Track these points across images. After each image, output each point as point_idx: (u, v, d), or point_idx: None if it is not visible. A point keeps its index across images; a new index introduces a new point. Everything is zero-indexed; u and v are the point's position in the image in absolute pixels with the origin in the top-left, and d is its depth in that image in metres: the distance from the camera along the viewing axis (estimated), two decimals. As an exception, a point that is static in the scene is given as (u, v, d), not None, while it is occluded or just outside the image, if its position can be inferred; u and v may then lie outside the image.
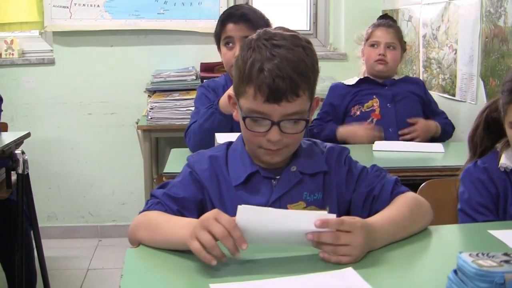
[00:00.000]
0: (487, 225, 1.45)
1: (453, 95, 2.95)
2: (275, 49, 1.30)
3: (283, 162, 1.41)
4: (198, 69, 3.64)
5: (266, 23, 2.32)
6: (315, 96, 1.39)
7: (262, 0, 3.88)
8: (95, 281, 3.23)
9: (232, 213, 1.35)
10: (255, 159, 1.41)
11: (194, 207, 1.37)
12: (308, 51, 1.34)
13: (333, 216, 1.16)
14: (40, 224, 2.78)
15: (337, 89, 2.82)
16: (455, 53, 2.91)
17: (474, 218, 1.57)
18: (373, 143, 2.50)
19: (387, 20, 2.95)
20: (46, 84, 3.74)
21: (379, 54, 2.74)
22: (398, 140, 2.62)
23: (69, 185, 3.86)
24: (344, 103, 2.77)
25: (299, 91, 1.29)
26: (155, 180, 3.40)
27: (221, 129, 2.15)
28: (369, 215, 1.33)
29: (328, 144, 1.48)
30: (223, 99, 2.17)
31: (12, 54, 3.72)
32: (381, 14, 3.72)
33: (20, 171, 2.51)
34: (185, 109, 3.26)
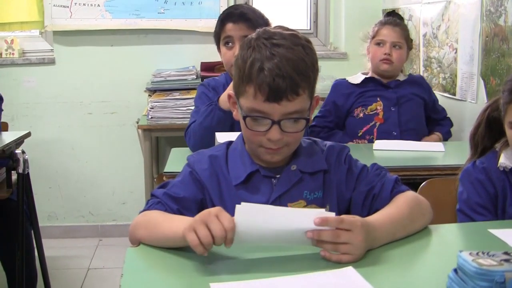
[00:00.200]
0: (487, 224, 1.45)
1: (454, 94, 2.95)
2: (275, 48, 1.30)
3: (283, 161, 1.41)
4: (199, 68, 3.64)
5: (265, 22, 2.32)
6: (315, 95, 1.39)
7: (262, 0, 3.88)
8: (95, 280, 3.23)
9: (232, 212, 1.34)
10: (255, 158, 1.41)
11: (194, 207, 1.37)
12: (308, 50, 1.34)
13: (332, 214, 1.16)
14: (40, 224, 2.78)
15: (341, 87, 2.79)
16: (456, 52, 2.91)
17: (472, 219, 1.57)
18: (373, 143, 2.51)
19: (394, 18, 2.89)
20: (46, 83, 3.74)
21: (385, 54, 2.71)
22: None
23: (69, 184, 3.86)
24: (347, 103, 2.74)
25: (299, 90, 1.29)
26: (155, 180, 3.40)
27: (221, 126, 2.15)
28: (369, 214, 1.33)
29: (328, 143, 1.48)
30: (223, 97, 2.17)
31: (13, 54, 3.72)
32: (381, 13, 3.73)
33: (20, 170, 2.51)
34: (185, 108, 3.26)
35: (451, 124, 2.85)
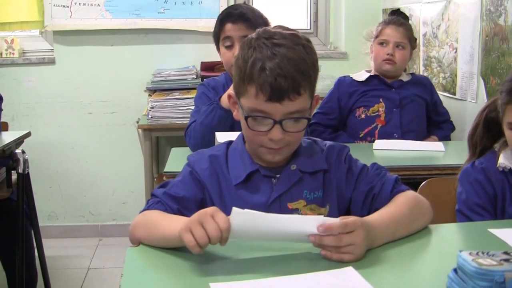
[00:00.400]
0: (487, 224, 1.45)
1: (454, 93, 2.95)
2: (275, 48, 1.30)
3: (283, 160, 1.41)
4: (199, 68, 3.64)
5: (264, 22, 2.32)
6: (315, 94, 1.39)
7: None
8: (95, 280, 3.23)
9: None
10: (255, 158, 1.41)
11: (195, 207, 1.37)
12: (308, 50, 1.34)
13: (334, 220, 1.16)
14: (40, 224, 2.78)
15: (345, 85, 2.77)
16: (456, 52, 2.91)
17: (471, 219, 1.57)
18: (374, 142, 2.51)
19: (398, 17, 2.86)
20: (46, 83, 3.74)
21: (388, 54, 2.69)
22: None
23: (69, 184, 3.86)
24: (350, 102, 2.73)
25: (300, 90, 1.30)
26: (155, 179, 3.40)
27: (222, 125, 2.15)
28: (369, 214, 1.33)
29: (328, 142, 1.48)
30: (225, 96, 2.16)
31: (13, 54, 3.72)
32: (381, 13, 3.72)
33: (20, 170, 2.51)
34: (185, 108, 3.26)
35: (453, 128, 2.82)
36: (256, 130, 1.34)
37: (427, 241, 1.32)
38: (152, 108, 3.28)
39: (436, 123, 2.83)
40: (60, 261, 3.44)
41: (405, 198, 1.38)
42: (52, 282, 2.85)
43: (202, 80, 3.43)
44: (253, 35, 1.36)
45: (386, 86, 2.73)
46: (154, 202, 1.36)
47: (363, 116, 2.71)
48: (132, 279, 1.13)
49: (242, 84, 1.33)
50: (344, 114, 2.76)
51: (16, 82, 3.72)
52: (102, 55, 3.74)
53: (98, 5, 3.64)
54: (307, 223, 1.15)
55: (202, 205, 1.39)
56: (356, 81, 2.76)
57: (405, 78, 2.79)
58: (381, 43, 2.74)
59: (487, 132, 1.66)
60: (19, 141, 2.65)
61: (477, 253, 1.00)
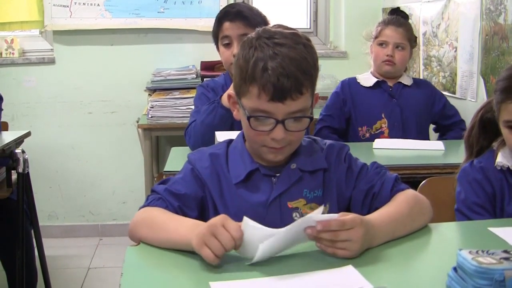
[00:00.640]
0: (487, 223, 1.44)
1: (454, 92, 2.95)
2: (277, 48, 1.29)
3: (283, 159, 1.41)
4: (199, 67, 3.65)
5: (263, 20, 2.31)
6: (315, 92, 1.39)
7: (262, -1, 3.89)
8: (96, 280, 3.23)
9: (233, 210, 1.35)
10: (255, 157, 1.41)
11: (195, 205, 1.37)
12: (309, 49, 1.34)
13: (333, 216, 1.16)
14: (40, 223, 2.78)
15: (353, 88, 2.74)
16: (455, 51, 2.91)
17: (470, 218, 1.57)
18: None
19: (398, 17, 2.80)
20: (46, 83, 3.74)
21: (387, 55, 2.67)
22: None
23: (69, 184, 3.86)
24: (352, 105, 2.72)
25: (302, 89, 1.30)
26: (155, 179, 3.40)
27: (223, 124, 2.14)
28: (369, 212, 1.33)
29: (328, 141, 1.48)
30: (225, 96, 2.16)
31: (13, 54, 3.72)
32: (381, 12, 3.72)
33: (20, 170, 2.51)
34: (185, 107, 3.26)
35: (464, 128, 2.78)
36: (258, 130, 1.33)
37: (427, 240, 1.32)
38: (152, 107, 3.28)
39: (446, 127, 2.79)
40: (60, 260, 3.44)
41: (405, 197, 1.38)
42: (52, 281, 2.84)
43: (202, 79, 3.43)
44: (253, 34, 1.36)
45: (388, 94, 2.70)
46: (155, 198, 1.36)
47: (367, 135, 2.69)
48: (132, 278, 1.13)
49: (244, 84, 1.32)
50: (346, 118, 2.75)
51: (16, 82, 3.72)
52: (102, 54, 3.74)
53: (98, 4, 3.64)
54: (308, 222, 1.15)
55: (202, 203, 1.39)
56: (363, 86, 2.74)
57: (406, 81, 2.75)
58: (381, 44, 2.71)
59: (483, 133, 1.66)
60: (19, 141, 2.65)
61: (477, 252, 1.00)
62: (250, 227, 1.14)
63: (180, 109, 3.28)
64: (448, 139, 2.71)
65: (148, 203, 1.36)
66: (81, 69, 3.74)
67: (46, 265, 2.78)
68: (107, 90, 3.77)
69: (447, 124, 2.79)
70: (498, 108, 1.55)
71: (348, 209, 1.43)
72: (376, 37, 2.74)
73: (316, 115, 2.77)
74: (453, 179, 1.70)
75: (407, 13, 3.33)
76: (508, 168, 1.57)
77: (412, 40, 2.75)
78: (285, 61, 1.28)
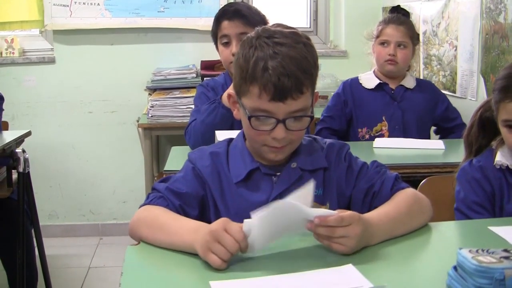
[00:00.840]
0: (487, 222, 1.45)
1: (454, 91, 2.95)
2: (277, 47, 1.29)
3: (283, 158, 1.41)
4: (199, 67, 3.65)
5: (262, 19, 2.31)
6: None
7: (262, -2, 3.89)
8: (96, 279, 3.23)
9: (233, 210, 1.35)
10: (256, 156, 1.41)
11: (196, 203, 1.37)
12: (309, 48, 1.34)
13: (333, 213, 1.16)
14: (41, 223, 2.78)
15: (355, 90, 2.73)
16: (456, 50, 2.91)
17: (469, 217, 1.57)
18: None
19: (399, 15, 2.77)
20: (46, 82, 3.74)
21: (389, 54, 2.65)
22: None
23: (70, 183, 3.87)
24: (353, 106, 2.72)
25: (303, 88, 1.29)
26: (156, 178, 3.40)
27: (223, 124, 2.15)
28: (369, 211, 1.33)
29: (328, 140, 1.48)
30: (225, 95, 2.16)
31: (13, 53, 3.72)
32: (381, 11, 3.72)
33: (21, 169, 2.51)
34: (185, 107, 3.26)
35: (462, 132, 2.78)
36: (259, 129, 1.33)
37: (427, 239, 1.32)
38: (152, 107, 3.28)
39: (448, 130, 2.77)
40: (61, 260, 3.44)
41: (405, 195, 1.38)
42: (52, 281, 2.85)
43: (202, 79, 3.43)
44: (253, 34, 1.36)
45: (390, 97, 2.70)
46: (156, 196, 1.36)
47: (367, 136, 2.68)
48: (132, 277, 1.13)
49: (244, 84, 1.32)
50: (347, 119, 2.74)
51: (16, 81, 3.72)
52: (102, 54, 3.74)
53: (98, 4, 3.64)
54: (309, 215, 1.15)
55: (203, 202, 1.39)
56: (365, 88, 2.73)
57: (409, 83, 2.73)
58: (382, 43, 2.69)
59: (482, 132, 1.66)
60: (19, 140, 2.65)
61: (477, 251, 1.00)
62: (252, 226, 1.14)
63: (180, 108, 3.28)
64: None
65: (149, 201, 1.36)
66: (81, 69, 3.75)
67: (47, 264, 2.79)
68: (107, 89, 3.77)
69: (449, 127, 2.77)
70: (496, 108, 1.55)
71: (348, 208, 1.42)
72: (377, 37, 2.72)
73: (318, 114, 2.77)
74: (453, 178, 1.70)
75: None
76: (507, 167, 1.58)
77: (414, 37, 2.72)
78: (286, 61, 1.28)
